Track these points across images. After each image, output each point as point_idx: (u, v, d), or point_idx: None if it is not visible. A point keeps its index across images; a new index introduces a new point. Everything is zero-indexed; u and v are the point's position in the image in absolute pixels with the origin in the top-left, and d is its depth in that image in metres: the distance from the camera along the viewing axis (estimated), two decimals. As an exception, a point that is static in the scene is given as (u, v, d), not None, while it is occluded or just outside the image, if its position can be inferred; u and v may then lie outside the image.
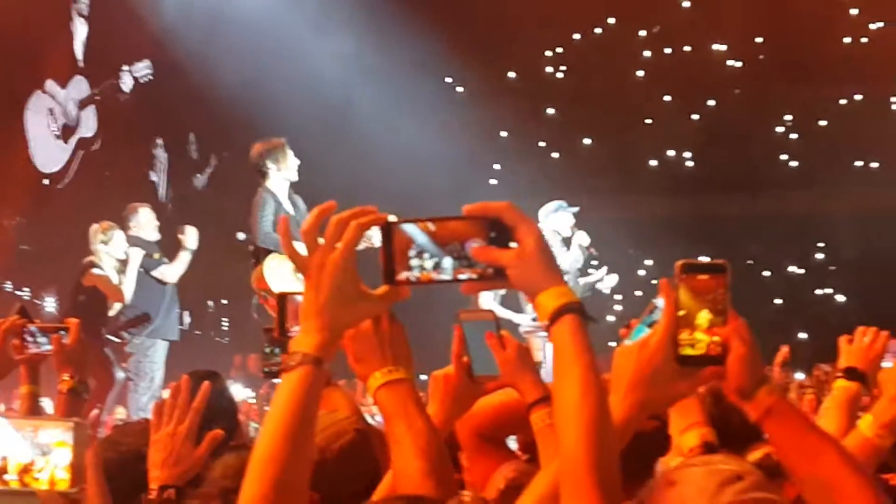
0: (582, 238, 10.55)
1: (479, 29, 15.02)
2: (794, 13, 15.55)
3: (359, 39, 14.62)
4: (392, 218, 1.80)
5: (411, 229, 1.78)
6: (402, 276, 1.79)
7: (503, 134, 16.41)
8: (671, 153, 16.68)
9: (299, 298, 2.00)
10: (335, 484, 2.70)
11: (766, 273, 16.25)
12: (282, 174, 8.69)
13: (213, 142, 15.50)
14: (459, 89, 16.40)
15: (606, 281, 10.87)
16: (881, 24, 16.19)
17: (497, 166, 15.97)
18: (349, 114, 14.85)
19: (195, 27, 13.73)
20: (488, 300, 10.71)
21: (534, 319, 10.76)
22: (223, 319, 15.78)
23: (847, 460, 1.88)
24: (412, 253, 1.78)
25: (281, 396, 1.86)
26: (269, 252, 8.43)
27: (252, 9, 14.09)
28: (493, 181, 15.94)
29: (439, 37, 14.37)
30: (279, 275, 8.34)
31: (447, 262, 1.78)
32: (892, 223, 15.58)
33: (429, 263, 1.78)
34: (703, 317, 1.90)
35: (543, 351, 10.31)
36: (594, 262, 10.75)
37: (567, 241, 10.53)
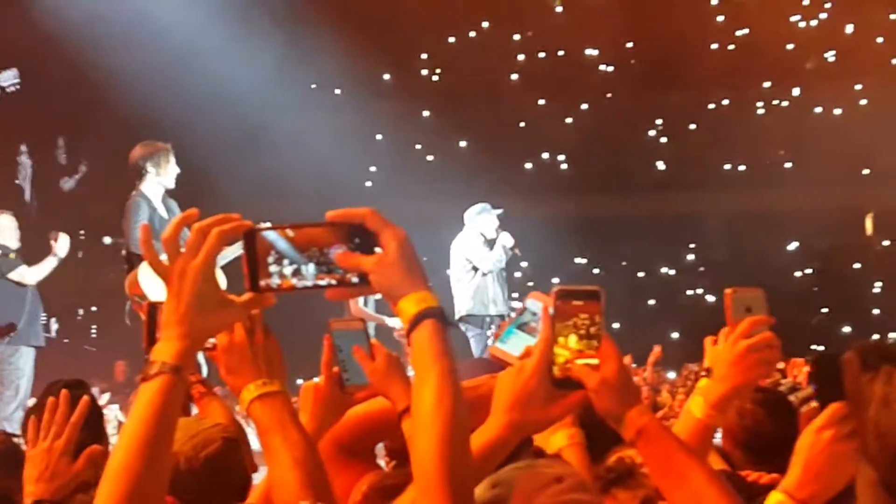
0: (506, 239, 10.65)
1: (355, 30, 14.93)
2: (664, 20, 15.85)
3: (231, 39, 14.43)
4: (257, 225, 1.79)
5: (273, 236, 1.77)
6: (265, 282, 1.78)
7: (378, 136, 16.37)
8: (546, 156, 16.84)
9: None
10: (201, 492, 2.67)
11: (641, 274, 16.54)
12: (159, 179, 8.53)
13: (84, 147, 15.15)
14: (337, 91, 16.29)
15: (501, 238, 10.94)
16: (747, 31, 16.61)
17: (373, 168, 15.92)
18: (224, 113, 14.61)
19: (66, 31, 13.39)
20: (362, 304, 10.70)
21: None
22: (92, 326, 15.41)
23: (714, 480, 1.93)
24: (271, 259, 1.77)
25: (138, 406, 1.81)
26: (142, 257, 8.27)
27: (126, 8, 13.79)
28: (368, 183, 15.90)
29: (312, 38, 14.29)
30: (154, 280, 8.17)
31: (310, 268, 1.77)
32: (759, 224, 16.03)
33: (289, 270, 1.77)
34: (574, 341, 1.96)
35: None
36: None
37: (491, 243, 10.59)
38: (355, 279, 1.77)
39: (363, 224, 1.78)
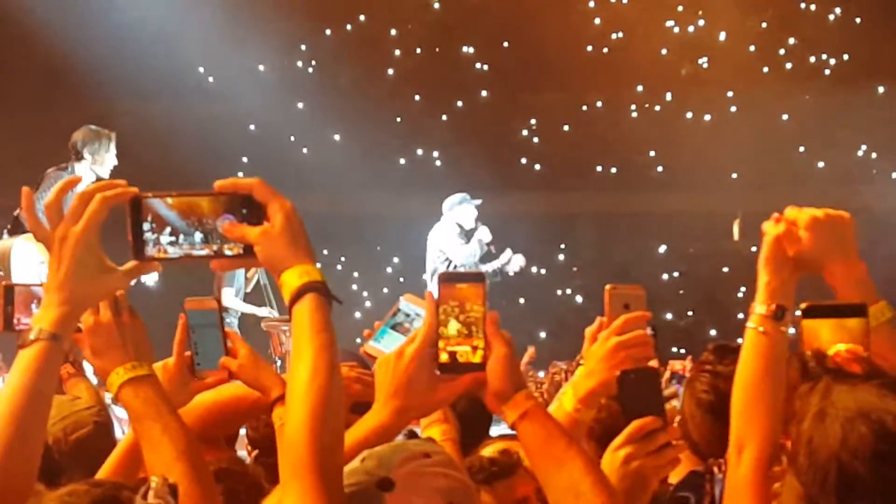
0: (483, 233, 10.49)
1: (229, 20, 14.67)
2: (540, 21, 15.94)
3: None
4: (142, 193, 1.76)
5: (159, 204, 1.73)
6: (150, 251, 1.75)
7: (252, 127, 16.13)
8: (420, 151, 16.78)
9: (37, 290, 2.11)
10: (65, 476, 2.56)
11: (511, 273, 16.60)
12: (94, 167, 8.46)
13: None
14: (210, 79, 16.02)
15: (513, 263, 10.83)
16: (621, 35, 16.80)
17: (245, 159, 15.67)
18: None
19: None
20: (230, 295, 10.49)
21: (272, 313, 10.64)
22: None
23: (591, 470, 1.92)
24: (154, 227, 1.74)
25: (14, 373, 1.78)
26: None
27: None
28: (240, 174, 15.59)
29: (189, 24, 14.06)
30: (25, 257, 8.08)
31: (196, 237, 1.74)
32: (629, 226, 16.24)
33: (173, 238, 1.74)
34: (457, 325, 1.95)
35: (286, 345, 10.20)
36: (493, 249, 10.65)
37: (468, 234, 10.42)
38: (240, 250, 1.75)
39: (251, 195, 1.76)
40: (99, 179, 8.32)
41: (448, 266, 10.32)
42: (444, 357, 1.94)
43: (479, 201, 10.73)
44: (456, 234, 10.48)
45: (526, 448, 1.99)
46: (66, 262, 1.77)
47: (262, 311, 10.80)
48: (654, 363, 2.39)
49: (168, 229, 1.73)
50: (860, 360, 1.71)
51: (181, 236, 1.74)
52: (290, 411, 1.72)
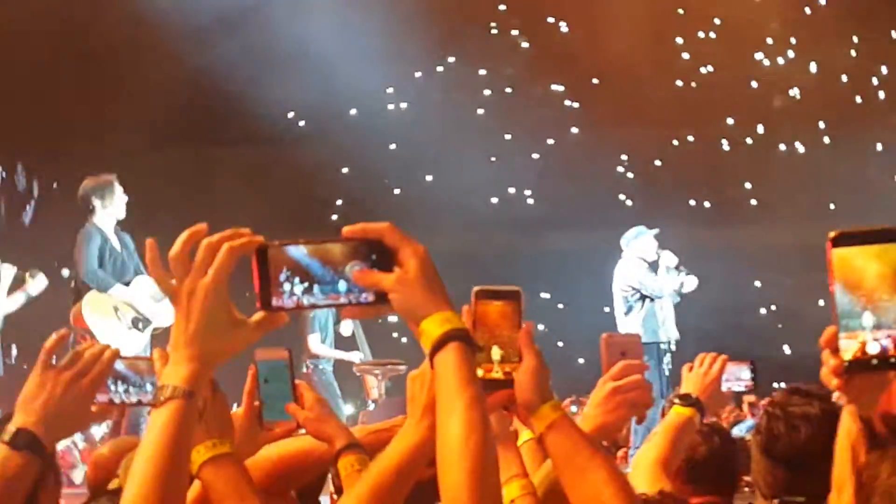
0: (669, 259, 10.35)
1: (322, 63, 14.91)
2: (629, 57, 15.95)
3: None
4: (269, 242, 1.71)
5: (287, 252, 1.68)
6: (278, 302, 1.68)
7: (345, 170, 16.30)
8: (512, 190, 16.82)
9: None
10: None
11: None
12: (107, 211, 8.62)
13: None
14: (301, 123, 16.26)
15: (687, 284, 10.66)
16: (711, 69, 16.74)
17: (339, 202, 15.83)
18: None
19: None
20: (316, 342, 10.57)
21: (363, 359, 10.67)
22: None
23: (614, 479, 1.94)
24: (284, 277, 1.68)
25: (151, 435, 1.72)
26: (90, 290, 8.46)
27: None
28: (334, 216, 15.83)
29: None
30: (98, 315, 8.33)
31: (327, 286, 1.69)
32: (724, 258, 16.03)
33: (301, 288, 1.68)
34: (500, 351, 1.95)
35: (378, 389, 10.25)
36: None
37: (654, 265, 10.32)
38: (372, 298, 1.69)
39: (381, 240, 1.70)
40: (117, 223, 8.63)
41: (643, 302, 10.09)
42: (482, 373, 1.90)
43: (656, 230, 10.51)
44: (644, 268, 10.26)
45: (552, 458, 2.01)
46: (195, 315, 1.71)
47: (353, 356, 10.81)
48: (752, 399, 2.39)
49: (298, 278, 1.68)
50: None
51: (313, 285, 1.68)
52: (446, 472, 1.64)
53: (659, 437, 3.23)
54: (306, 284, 1.68)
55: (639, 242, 10.32)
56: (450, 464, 1.64)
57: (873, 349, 1.44)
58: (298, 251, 1.68)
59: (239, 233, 1.72)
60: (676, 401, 3.34)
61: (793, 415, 3.01)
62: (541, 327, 11.46)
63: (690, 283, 10.49)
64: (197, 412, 1.78)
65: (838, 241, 1.48)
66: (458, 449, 1.63)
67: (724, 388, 3.45)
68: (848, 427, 1.78)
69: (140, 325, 8.57)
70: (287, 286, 1.68)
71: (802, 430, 3.00)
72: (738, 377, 3.73)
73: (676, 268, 10.26)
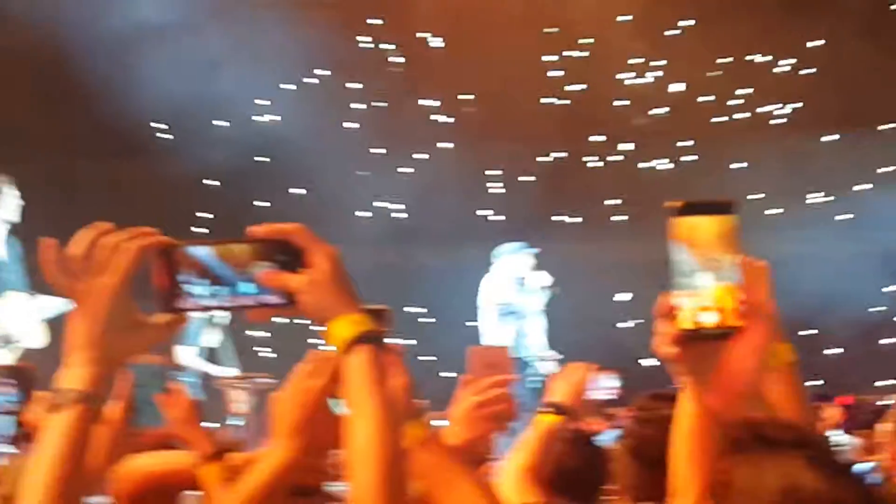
0: (540, 278, 10.31)
1: (191, 74, 14.70)
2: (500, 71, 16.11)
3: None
4: (174, 241, 1.68)
5: (191, 253, 1.65)
6: (181, 304, 1.65)
7: (209, 182, 16.10)
8: (386, 204, 16.82)
9: None
10: None
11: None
12: (2, 214, 8.42)
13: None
14: (169, 136, 16.02)
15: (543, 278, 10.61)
16: (579, 86, 17.02)
17: (201, 215, 15.62)
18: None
19: None
20: (185, 353, 10.39)
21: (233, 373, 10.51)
22: None
23: (483, 492, 1.98)
24: (188, 279, 1.65)
25: (50, 441, 1.63)
26: None
27: None
28: (195, 229, 15.61)
29: None
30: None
31: (232, 287, 1.66)
32: (592, 273, 16.27)
33: (207, 290, 1.65)
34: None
35: (244, 404, 10.10)
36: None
37: (524, 282, 10.27)
38: (279, 299, 1.66)
39: (289, 240, 1.67)
40: (10, 224, 8.39)
41: (509, 317, 10.10)
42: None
43: (534, 250, 10.54)
44: (513, 284, 10.28)
45: (421, 474, 2.01)
46: (97, 317, 1.66)
47: (220, 371, 10.59)
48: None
49: (203, 279, 1.65)
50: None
51: (216, 286, 1.65)
52: (356, 474, 1.62)
53: (526, 445, 3.25)
54: (210, 286, 1.65)
55: (512, 258, 10.39)
56: (359, 466, 1.62)
57: (709, 319, 1.48)
58: (203, 252, 1.65)
59: (143, 232, 1.68)
60: (544, 409, 3.37)
61: (663, 417, 3.05)
62: (410, 342, 11.51)
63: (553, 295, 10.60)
64: (99, 418, 1.71)
65: (681, 211, 1.59)
66: (368, 451, 1.61)
67: (590, 396, 3.50)
68: (689, 411, 1.83)
69: (7, 344, 8.26)
70: (190, 288, 1.65)
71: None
72: (604, 386, 3.79)
73: (546, 287, 10.34)
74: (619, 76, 17.31)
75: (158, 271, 1.66)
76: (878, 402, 10.17)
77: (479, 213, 16.88)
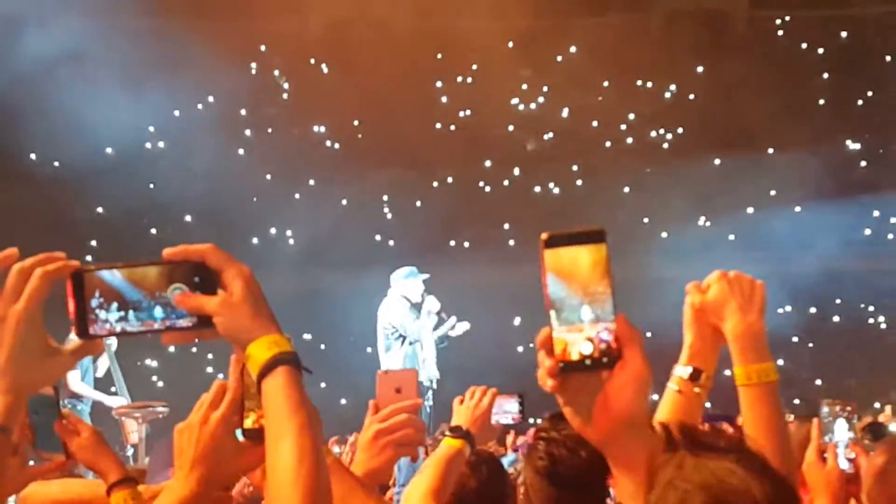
0: (432, 304, 10.21)
1: (75, 99, 14.47)
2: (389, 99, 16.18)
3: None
4: (85, 266, 1.61)
5: (102, 277, 1.59)
6: (94, 329, 1.59)
7: (99, 210, 15.85)
8: (273, 230, 16.75)
9: None
10: None
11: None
12: None
13: None
14: (56, 163, 15.73)
15: (458, 328, 10.56)
16: (469, 112, 17.18)
17: (93, 242, 15.37)
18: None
19: None
20: (77, 380, 10.19)
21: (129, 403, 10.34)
22: None
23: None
24: (100, 304, 1.59)
25: None
26: None
27: None
28: (88, 257, 15.32)
29: None
30: None
31: (146, 311, 1.60)
32: (485, 298, 16.38)
33: (118, 314, 1.59)
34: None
35: (138, 432, 9.92)
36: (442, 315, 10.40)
37: (417, 307, 10.16)
38: (194, 322, 1.61)
39: (203, 262, 1.61)
40: None
41: (402, 341, 10.09)
42: (248, 423, 1.86)
43: (426, 275, 10.54)
44: (406, 309, 10.26)
45: None
46: (7, 344, 1.59)
47: (114, 400, 10.38)
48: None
49: (115, 304, 1.60)
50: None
51: (130, 311, 1.60)
52: (277, 498, 1.57)
53: (429, 469, 3.24)
54: (122, 311, 1.60)
55: (407, 283, 10.40)
56: (281, 490, 1.58)
57: (586, 349, 1.48)
58: (114, 276, 1.60)
59: (52, 257, 1.61)
60: (447, 433, 3.37)
61: (571, 437, 3.07)
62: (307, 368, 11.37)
63: (461, 327, 10.68)
64: (11, 447, 1.66)
65: (550, 243, 1.53)
66: (290, 475, 1.58)
67: (493, 420, 3.52)
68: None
69: None
70: (102, 313, 1.60)
71: (583, 452, 3.05)
72: (506, 410, 3.81)
73: (438, 313, 10.40)
74: (509, 101, 17.52)
75: (70, 297, 1.61)
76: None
77: (376, 238, 16.89)
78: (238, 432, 1.88)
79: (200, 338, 1.65)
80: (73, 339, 1.63)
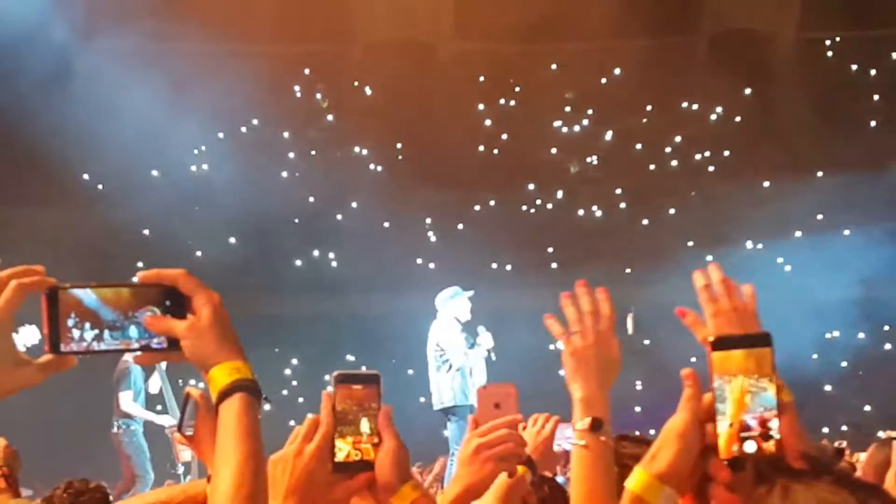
0: (487, 341, 10.05)
1: (122, 124, 14.59)
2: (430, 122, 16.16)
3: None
4: (61, 284, 1.63)
5: (78, 295, 1.63)
6: (66, 346, 1.63)
7: (146, 232, 15.96)
8: (316, 253, 16.75)
9: None
10: None
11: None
12: None
13: None
14: (99, 186, 15.86)
15: (483, 339, 10.49)
16: (511, 135, 17.14)
17: (140, 264, 15.42)
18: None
19: None
20: (128, 400, 10.22)
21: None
22: None
23: None
24: (74, 322, 1.62)
25: None
26: None
27: None
28: (134, 279, 15.38)
29: None
30: None
31: (118, 331, 1.65)
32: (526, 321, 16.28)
33: (91, 332, 1.63)
34: (365, 424, 1.93)
35: (185, 455, 9.92)
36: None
37: (468, 328, 10.11)
38: (164, 344, 1.67)
39: (175, 286, 1.67)
40: None
41: (448, 366, 9.96)
42: (340, 456, 1.92)
43: (471, 292, 10.47)
44: (457, 330, 10.14)
45: None
46: None
47: (164, 419, 10.40)
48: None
49: (88, 323, 1.63)
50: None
51: (103, 330, 1.64)
52: None
53: (490, 496, 3.21)
54: (96, 329, 1.63)
55: (454, 303, 10.31)
56: None
57: (750, 448, 1.62)
58: (88, 295, 1.63)
59: (30, 270, 1.63)
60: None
61: (624, 455, 3.05)
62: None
63: (486, 339, 10.52)
64: None
65: (717, 346, 1.66)
66: (228, 500, 1.61)
67: (555, 447, 3.47)
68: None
69: None
70: (76, 332, 1.62)
71: None
72: (567, 436, 3.76)
73: (489, 350, 10.30)
74: (552, 124, 17.47)
75: (45, 313, 1.63)
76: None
77: (417, 260, 16.86)
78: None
79: (169, 359, 1.70)
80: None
